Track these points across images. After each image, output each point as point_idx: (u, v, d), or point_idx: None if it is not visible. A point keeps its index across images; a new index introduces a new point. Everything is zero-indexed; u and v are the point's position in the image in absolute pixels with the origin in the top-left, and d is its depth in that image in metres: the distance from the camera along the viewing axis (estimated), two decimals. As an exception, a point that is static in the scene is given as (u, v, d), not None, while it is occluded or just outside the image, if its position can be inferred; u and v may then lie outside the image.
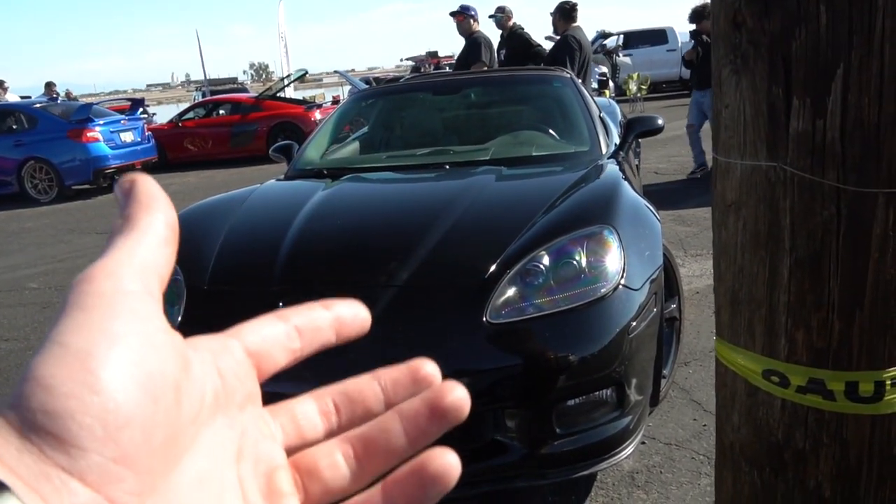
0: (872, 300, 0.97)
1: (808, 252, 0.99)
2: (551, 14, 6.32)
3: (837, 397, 1.01)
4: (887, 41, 0.89)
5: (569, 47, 5.86)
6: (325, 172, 3.39)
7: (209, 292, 2.29)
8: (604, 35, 18.37)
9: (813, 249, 0.98)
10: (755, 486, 1.15)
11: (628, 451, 2.06)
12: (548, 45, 6.69)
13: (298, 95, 19.89)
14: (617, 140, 3.58)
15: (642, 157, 6.19)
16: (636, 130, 3.55)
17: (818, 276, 0.99)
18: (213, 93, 21.04)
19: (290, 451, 0.31)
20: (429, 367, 0.32)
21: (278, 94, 14.29)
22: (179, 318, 2.21)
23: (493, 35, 6.73)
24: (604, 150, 3.26)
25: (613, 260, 2.15)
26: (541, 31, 12.48)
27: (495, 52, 6.60)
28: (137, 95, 21.01)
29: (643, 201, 2.63)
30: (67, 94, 17.83)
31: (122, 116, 11.26)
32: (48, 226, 8.34)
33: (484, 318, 2.00)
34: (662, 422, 2.68)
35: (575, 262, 2.14)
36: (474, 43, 6.50)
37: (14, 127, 10.38)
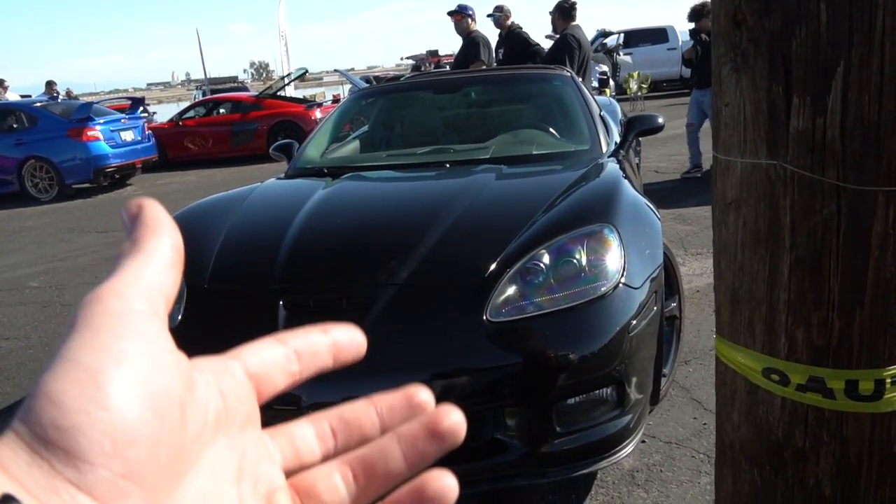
0: (872, 298, 0.97)
1: (809, 250, 0.99)
2: (550, 13, 6.32)
3: (837, 395, 1.01)
4: (888, 39, 0.89)
5: (568, 46, 5.86)
6: (326, 171, 3.39)
7: (210, 290, 2.29)
8: (604, 34, 18.35)
9: (813, 247, 0.98)
10: (755, 484, 1.15)
11: (628, 449, 2.06)
12: (548, 45, 6.69)
13: (299, 94, 19.89)
14: (617, 139, 3.58)
15: (643, 156, 6.19)
16: (636, 129, 3.54)
17: (818, 275, 0.99)
18: (213, 91, 21.03)
19: (288, 474, 0.31)
20: (423, 394, 0.32)
21: (278, 93, 14.28)
22: (180, 317, 2.21)
23: (492, 34, 6.74)
24: (604, 149, 3.26)
25: (614, 258, 2.15)
26: (540, 31, 12.48)
27: (493, 52, 6.60)
28: (138, 94, 21.01)
29: (643, 200, 2.62)
30: (68, 93, 17.81)
31: (123, 115, 11.25)
32: (48, 225, 8.34)
33: (484, 317, 2.00)
34: (662, 420, 2.68)
35: (575, 261, 2.14)
36: (472, 42, 6.50)
37: (14, 126, 10.37)
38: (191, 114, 14.01)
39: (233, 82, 48.65)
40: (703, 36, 7.03)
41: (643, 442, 2.50)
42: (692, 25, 7.36)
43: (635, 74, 14.62)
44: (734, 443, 1.17)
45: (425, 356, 1.97)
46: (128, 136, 10.84)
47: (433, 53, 27.61)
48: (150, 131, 11.86)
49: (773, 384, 1.06)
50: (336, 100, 13.59)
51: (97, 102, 12.16)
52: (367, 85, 6.06)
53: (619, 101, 6.48)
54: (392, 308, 2.06)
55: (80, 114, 10.33)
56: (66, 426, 0.22)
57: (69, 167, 10.13)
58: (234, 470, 0.29)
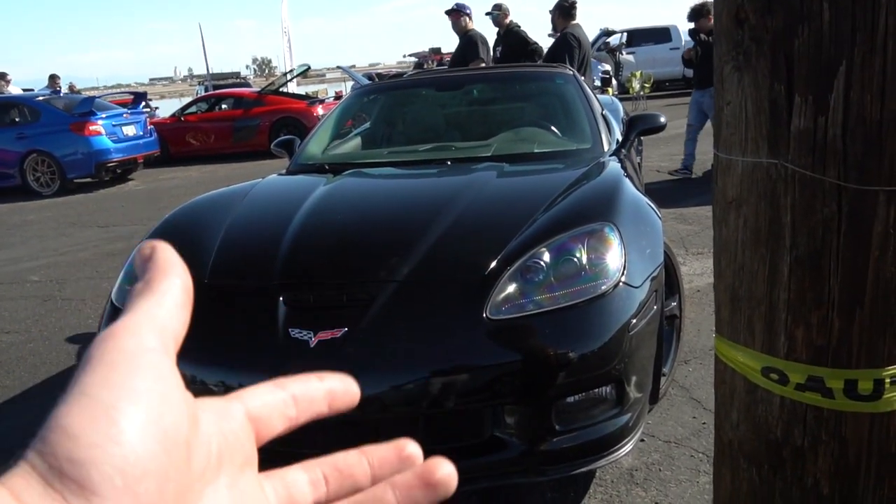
0: (872, 298, 0.97)
1: (809, 249, 0.98)
2: (550, 12, 6.32)
3: (836, 395, 1.01)
4: (890, 38, 0.89)
5: (568, 45, 5.86)
6: (327, 167, 3.39)
7: (210, 286, 2.29)
8: (607, 33, 18.33)
9: (813, 247, 0.98)
10: (753, 483, 1.15)
11: (627, 448, 2.06)
12: (549, 44, 6.69)
13: (301, 90, 19.86)
14: (619, 137, 3.58)
15: (644, 155, 6.18)
16: (638, 128, 3.54)
17: (818, 274, 0.99)
18: (215, 87, 21.00)
19: None
20: (411, 448, 0.34)
21: (281, 89, 14.27)
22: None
23: (489, 32, 6.75)
24: (606, 148, 3.25)
25: (614, 257, 2.15)
26: (539, 30, 12.47)
27: (491, 50, 6.60)
28: (140, 89, 20.99)
29: (644, 199, 2.62)
30: (70, 87, 17.81)
31: (125, 110, 11.25)
32: (50, 219, 8.34)
33: (484, 315, 2.00)
34: (662, 419, 2.68)
35: (575, 259, 2.14)
36: (470, 41, 6.51)
37: (17, 119, 10.37)
38: (193, 109, 14.00)
39: (235, 78, 48.68)
40: (703, 36, 7.00)
41: (642, 441, 2.50)
42: (691, 25, 7.33)
43: (638, 74, 14.61)
44: (733, 442, 1.17)
45: (425, 353, 1.97)
46: (130, 130, 10.84)
47: (436, 51, 27.58)
48: (152, 126, 11.85)
49: (772, 383, 1.06)
50: (338, 96, 13.56)
51: (99, 97, 12.13)
52: (370, 82, 6.06)
53: (621, 100, 6.47)
54: (392, 305, 2.06)
55: (83, 108, 10.32)
56: (80, 459, 0.23)
57: (71, 161, 10.13)
58: None
